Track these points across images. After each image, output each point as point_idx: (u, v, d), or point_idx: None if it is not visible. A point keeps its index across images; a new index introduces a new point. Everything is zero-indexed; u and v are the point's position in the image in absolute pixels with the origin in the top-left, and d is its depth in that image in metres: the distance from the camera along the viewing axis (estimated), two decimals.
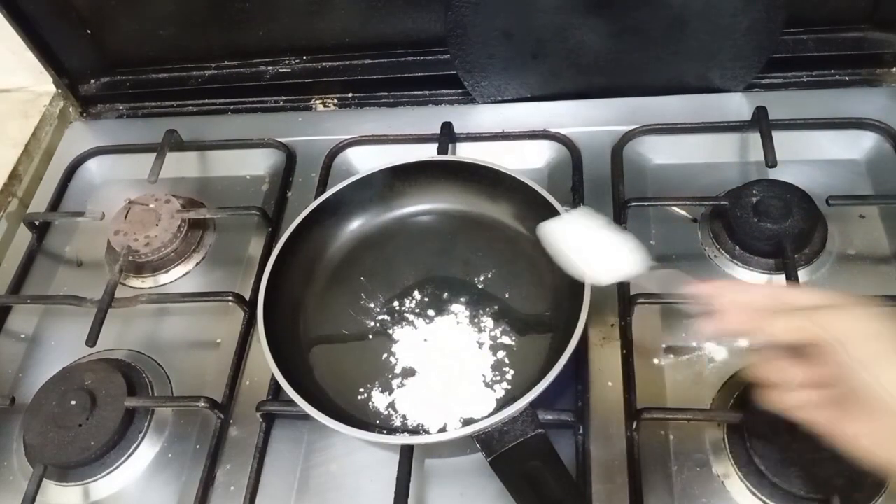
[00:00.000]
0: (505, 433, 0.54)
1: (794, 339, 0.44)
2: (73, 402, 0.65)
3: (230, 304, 0.72)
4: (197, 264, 0.79)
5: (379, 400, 0.63)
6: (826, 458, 0.55)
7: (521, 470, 0.53)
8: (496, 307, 0.66)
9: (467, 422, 0.58)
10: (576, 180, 0.76)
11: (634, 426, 0.60)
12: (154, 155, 0.82)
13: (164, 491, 0.64)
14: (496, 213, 0.72)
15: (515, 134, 0.81)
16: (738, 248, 0.69)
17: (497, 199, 0.71)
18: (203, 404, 0.65)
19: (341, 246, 0.73)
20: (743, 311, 0.46)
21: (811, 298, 0.46)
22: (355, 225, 0.74)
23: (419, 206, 0.74)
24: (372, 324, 0.68)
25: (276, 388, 0.66)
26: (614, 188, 0.75)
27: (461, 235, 0.72)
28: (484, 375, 0.62)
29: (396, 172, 0.72)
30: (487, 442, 0.54)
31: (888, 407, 0.40)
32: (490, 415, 0.56)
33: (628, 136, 0.78)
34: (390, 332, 0.67)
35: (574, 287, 0.59)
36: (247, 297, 0.72)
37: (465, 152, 0.81)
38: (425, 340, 0.65)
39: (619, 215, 0.72)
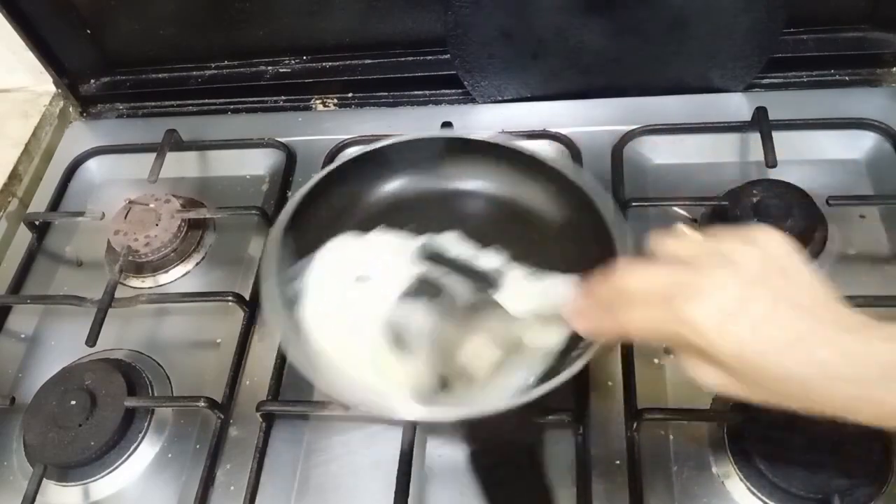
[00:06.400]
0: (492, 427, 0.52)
1: (653, 334, 0.43)
2: (73, 402, 0.65)
3: (230, 304, 0.72)
4: (197, 264, 0.79)
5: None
6: (826, 459, 0.55)
7: (496, 468, 0.52)
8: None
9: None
10: None
11: (634, 426, 0.60)
12: (154, 155, 0.82)
13: (164, 491, 0.64)
14: (542, 207, 0.66)
15: (515, 134, 0.81)
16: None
17: (549, 196, 0.65)
18: (203, 404, 0.65)
19: (376, 202, 0.67)
20: (595, 305, 0.45)
21: (670, 275, 0.42)
22: (394, 185, 0.68)
23: (465, 183, 0.68)
24: None
25: (276, 388, 0.66)
26: (615, 188, 0.75)
27: (499, 223, 0.66)
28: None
29: (455, 143, 0.66)
30: (474, 431, 0.52)
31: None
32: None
33: (628, 136, 0.78)
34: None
35: None
36: (247, 297, 0.72)
37: None
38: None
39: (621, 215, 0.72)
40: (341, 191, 0.65)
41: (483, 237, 0.63)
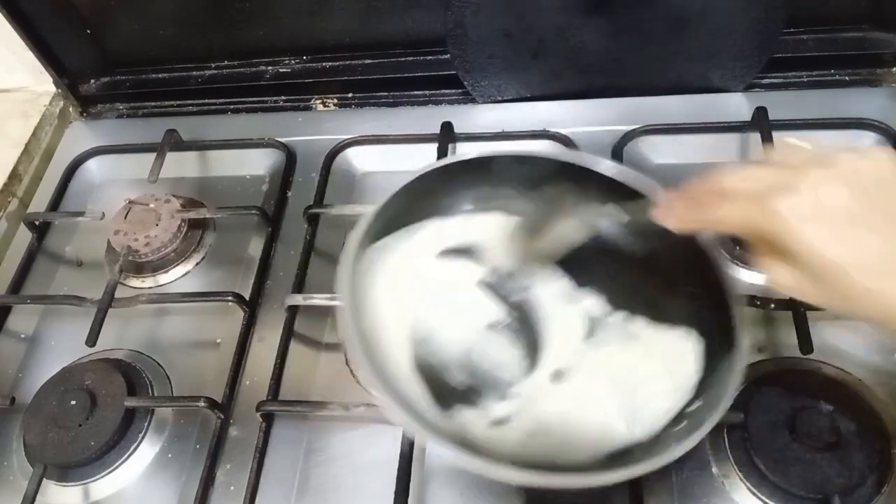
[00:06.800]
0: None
1: (740, 227, 0.41)
2: (73, 402, 0.66)
3: (230, 304, 0.72)
4: (197, 264, 0.79)
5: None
6: (826, 458, 0.55)
7: None
8: None
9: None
10: None
11: None
12: (154, 155, 0.82)
13: (164, 491, 0.64)
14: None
15: (515, 134, 0.81)
16: (737, 247, 0.69)
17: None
18: (203, 404, 0.65)
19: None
20: (686, 200, 0.43)
21: (768, 176, 0.40)
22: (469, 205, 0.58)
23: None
24: None
25: (275, 388, 0.66)
26: None
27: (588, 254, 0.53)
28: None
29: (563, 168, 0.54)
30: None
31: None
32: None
33: (628, 136, 0.78)
34: None
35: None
36: (247, 297, 0.72)
37: (465, 151, 0.81)
38: None
39: None
40: (423, 202, 0.55)
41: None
